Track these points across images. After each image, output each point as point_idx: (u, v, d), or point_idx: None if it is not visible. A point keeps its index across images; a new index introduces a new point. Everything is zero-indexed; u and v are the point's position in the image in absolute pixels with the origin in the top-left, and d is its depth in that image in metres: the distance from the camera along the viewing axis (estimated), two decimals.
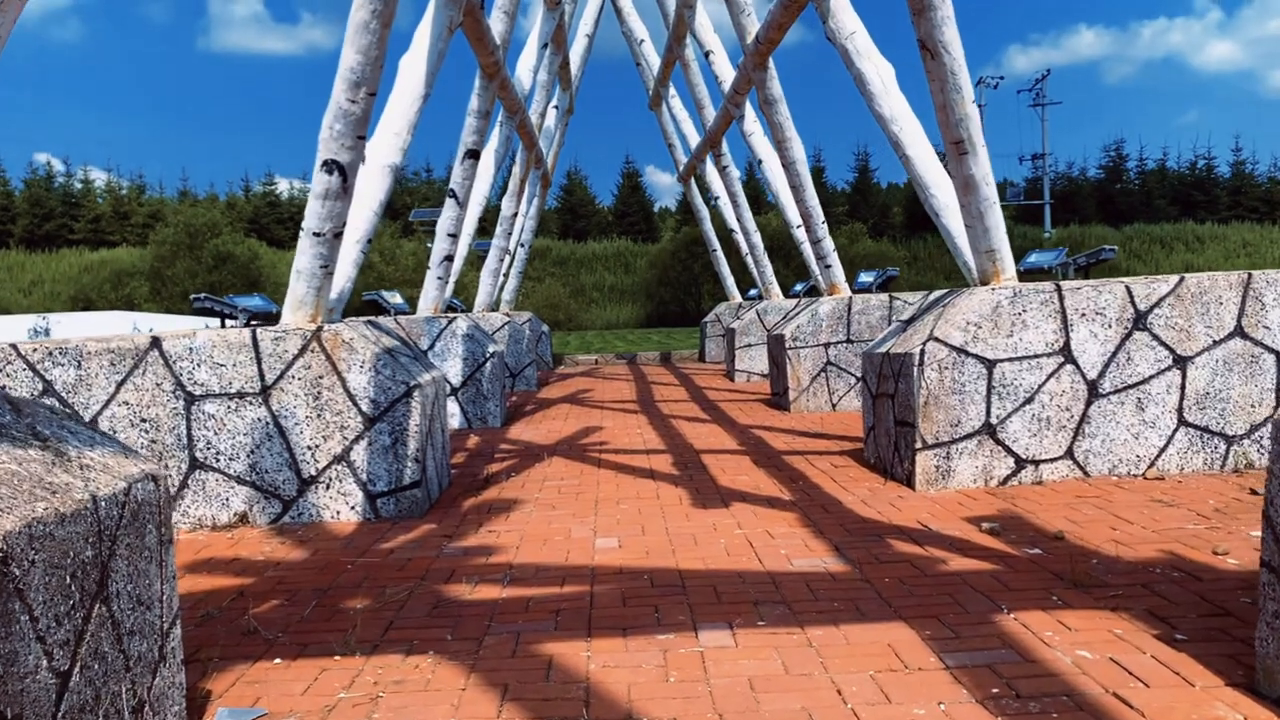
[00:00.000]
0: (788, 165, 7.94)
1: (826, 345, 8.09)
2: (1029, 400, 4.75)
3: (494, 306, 12.04)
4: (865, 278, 8.85)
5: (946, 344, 4.72)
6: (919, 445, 4.71)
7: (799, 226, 9.34)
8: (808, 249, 9.22)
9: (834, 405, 8.09)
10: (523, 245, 14.43)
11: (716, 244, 15.60)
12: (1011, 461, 4.75)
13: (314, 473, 4.57)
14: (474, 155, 7.67)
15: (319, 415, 4.57)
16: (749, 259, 12.32)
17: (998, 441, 4.74)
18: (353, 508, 4.59)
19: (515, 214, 11.53)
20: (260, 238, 38.97)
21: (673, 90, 14.33)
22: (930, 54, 4.56)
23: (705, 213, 15.90)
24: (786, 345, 8.07)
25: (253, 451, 4.56)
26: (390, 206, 42.72)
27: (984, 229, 4.84)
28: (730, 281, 15.61)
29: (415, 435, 4.58)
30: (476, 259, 15.50)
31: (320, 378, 4.58)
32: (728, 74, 9.82)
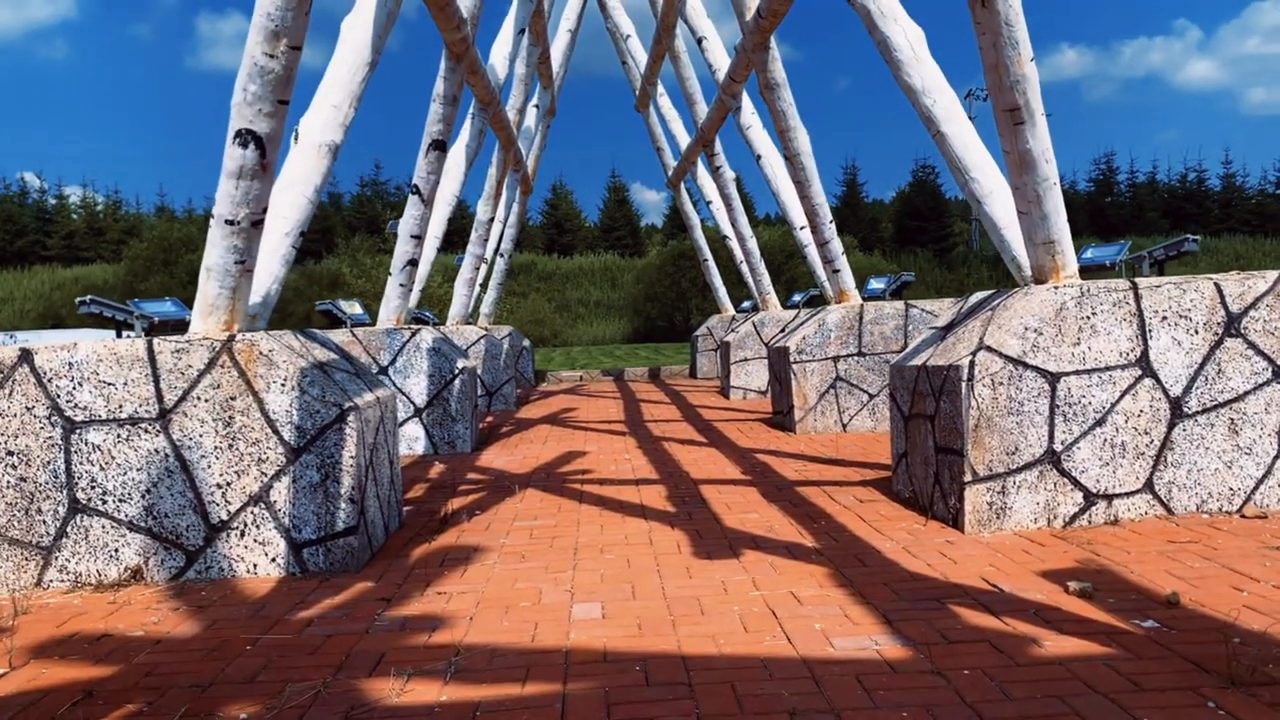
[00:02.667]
0: (791, 157, 7.11)
1: (835, 359, 7.25)
2: (1100, 422, 3.91)
3: (470, 319, 11.17)
4: (876, 284, 8.05)
5: (1001, 354, 3.88)
6: (968, 477, 3.86)
7: (803, 228, 8.51)
8: (813, 252, 8.38)
9: (844, 425, 7.25)
10: (502, 255, 13.55)
11: (708, 253, 14.75)
12: (1079, 496, 3.91)
13: (225, 517, 3.69)
14: (440, 147, 6.82)
15: (231, 446, 3.68)
16: (744, 267, 11.47)
17: (1062, 472, 3.90)
18: (273, 560, 3.70)
19: (492, 219, 10.68)
20: None
21: (661, 89, 13.51)
22: (981, 1, 3.74)
23: (695, 220, 15.06)
24: (791, 359, 7.22)
25: (148, 491, 3.67)
26: (370, 222, 41.89)
27: (1042, 215, 4.01)
28: (722, 292, 14.76)
29: (351, 469, 3.70)
30: (455, 273, 14.65)
31: (232, 399, 3.69)
32: (722, 62, 9.00)
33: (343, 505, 3.71)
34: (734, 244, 11.94)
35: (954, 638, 2.62)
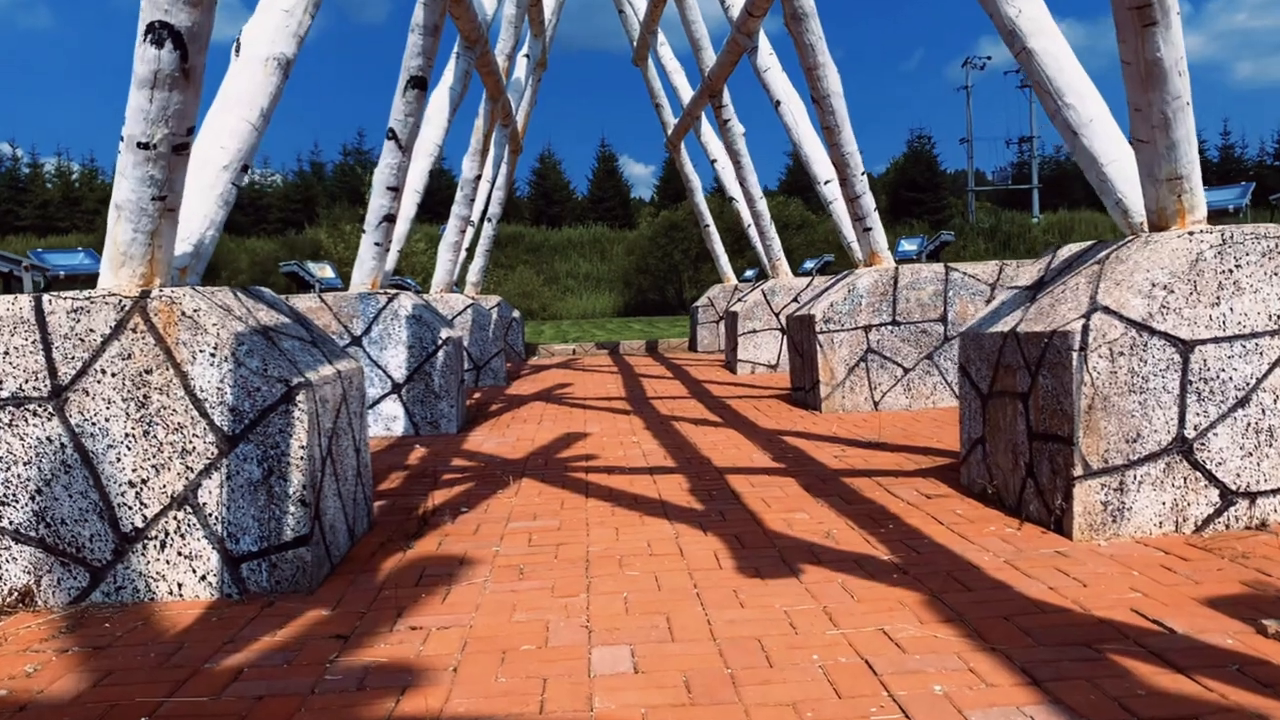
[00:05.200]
0: (820, 100, 6.28)
1: (866, 328, 6.45)
2: (1242, 402, 3.14)
3: (456, 287, 10.33)
4: (908, 246, 7.25)
5: (1122, 317, 3.09)
6: (1079, 471, 3.08)
7: (828, 182, 7.67)
8: (840, 208, 7.55)
9: (876, 404, 6.47)
10: (490, 220, 12.68)
11: (709, 218, 13.87)
12: (1215, 495, 3.14)
13: (139, 524, 2.88)
14: (419, 84, 5.96)
15: (147, 433, 2.87)
16: (752, 230, 10.63)
17: (1194, 464, 3.12)
18: (203, 578, 2.89)
19: (479, 177, 9.81)
20: None
21: (661, 37, 12.59)
22: None
23: (696, 182, 14.18)
24: (817, 329, 6.43)
25: (40, 491, 2.85)
26: (353, 191, 40.66)
27: (1169, 144, 3.21)
28: (724, 260, 13.91)
29: (301, 463, 2.90)
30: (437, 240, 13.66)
31: (147, 373, 2.87)
32: None
33: (291, 508, 2.90)
34: (741, 206, 11.09)
35: (1142, 712, 1.84)
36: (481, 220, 12.48)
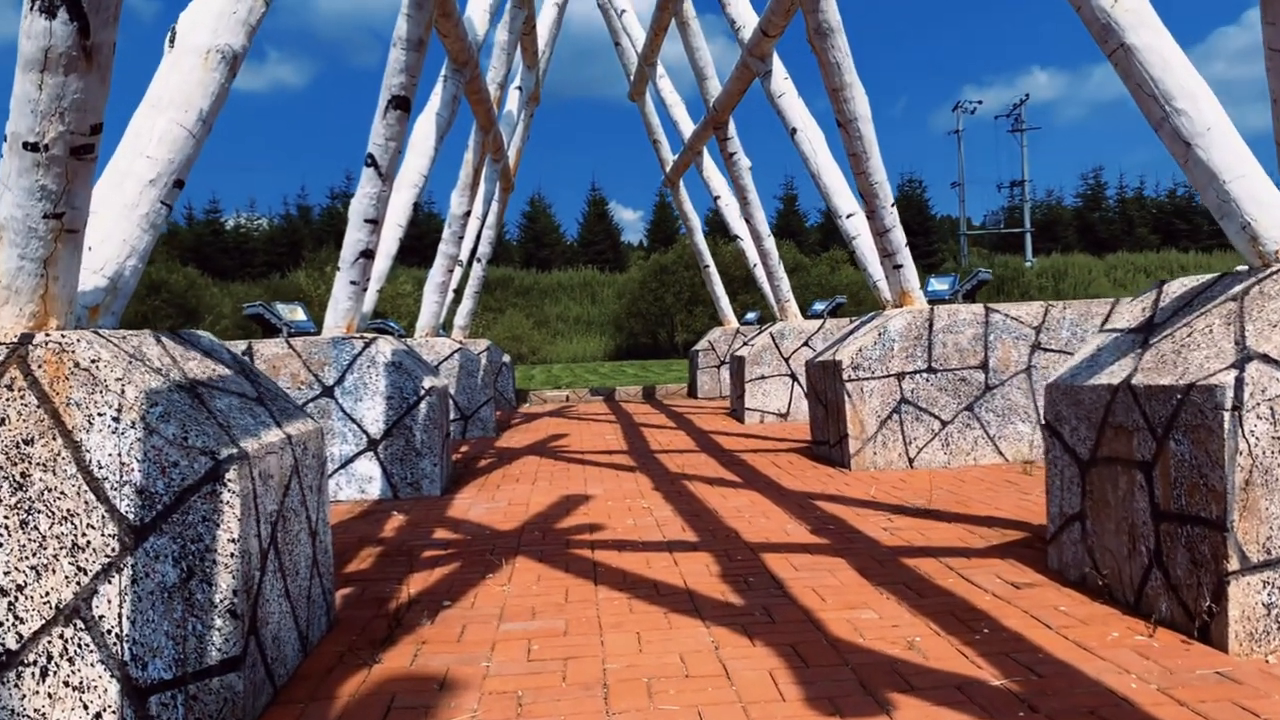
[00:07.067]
0: (846, 124, 5.67)
1: (900, 376, 5.79)
2: None
3: (442, 331, 9.64)
4: (938, 285, 6.62)
5: None
6: (1234, 565, 2.41)
7: (850, 216, 7.04)
8: (865, 243, 6.91)
9: (911, 460, 5.78)
10: (480, 260, 12.03)
11: (709, 258, 13.26)
12: None
13: (13, 645, 2.17)
14: (402, 105, 5.34)
15: (25, 524, 2.17)
16: (758, 270, 10.01)
17: None
18: (97, 716, 2.17)
19: (468, 213, 9.17)
20: (200, 267, 36.19)
21: (661, 69, 12.06)
22: None
23: (696, 221, 13.58)
24: (845, 376, 5.76)
25: None
26: (340, 235, 40.04)
27: None
28: (725, 302, 13.28)
29: (232, 560, 2.19)
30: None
31: (26, 443, 2.18)
32: (748, 18, 7.56)
33: (217, 622, 2.19)
34: (747, 244, 10.47)
35: None
36: (471, 260, 11.83)
